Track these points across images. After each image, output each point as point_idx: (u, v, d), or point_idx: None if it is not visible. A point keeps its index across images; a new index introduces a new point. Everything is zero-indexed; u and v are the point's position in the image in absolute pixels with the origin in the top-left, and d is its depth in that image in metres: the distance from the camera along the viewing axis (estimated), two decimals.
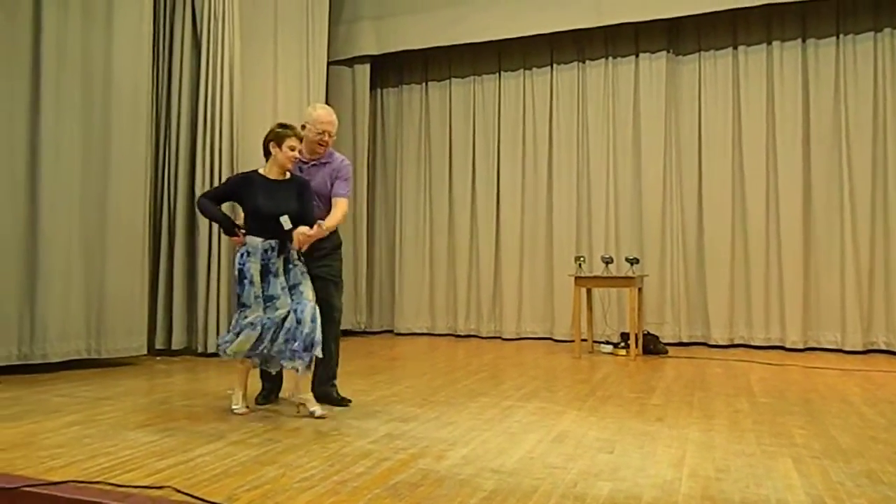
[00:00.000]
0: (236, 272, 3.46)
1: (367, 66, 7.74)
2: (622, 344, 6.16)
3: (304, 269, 3.52)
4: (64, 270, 4.84)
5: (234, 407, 3.51)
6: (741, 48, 6.70)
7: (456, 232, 7.74)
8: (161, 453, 2.72)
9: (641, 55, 7.02)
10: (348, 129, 7.67)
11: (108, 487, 2.28)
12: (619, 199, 7.07)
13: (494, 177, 7.60)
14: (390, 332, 8.01)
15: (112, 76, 5.16)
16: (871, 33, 6.27)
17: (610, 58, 7.15)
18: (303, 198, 3.52)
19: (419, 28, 7.41)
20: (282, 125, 3.54)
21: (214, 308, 5.74)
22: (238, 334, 3.43)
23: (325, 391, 3.70)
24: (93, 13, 5.06)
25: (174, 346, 5.78)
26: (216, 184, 5.86)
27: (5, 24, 4.60)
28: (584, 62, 7.27)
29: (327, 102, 7.23)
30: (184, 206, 5.88)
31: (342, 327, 7.68)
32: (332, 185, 3.73)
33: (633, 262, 6.07)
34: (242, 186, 3.50)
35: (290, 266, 3.49)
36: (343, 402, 3.71)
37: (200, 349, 5.72)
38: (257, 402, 3.73)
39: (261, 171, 3.55)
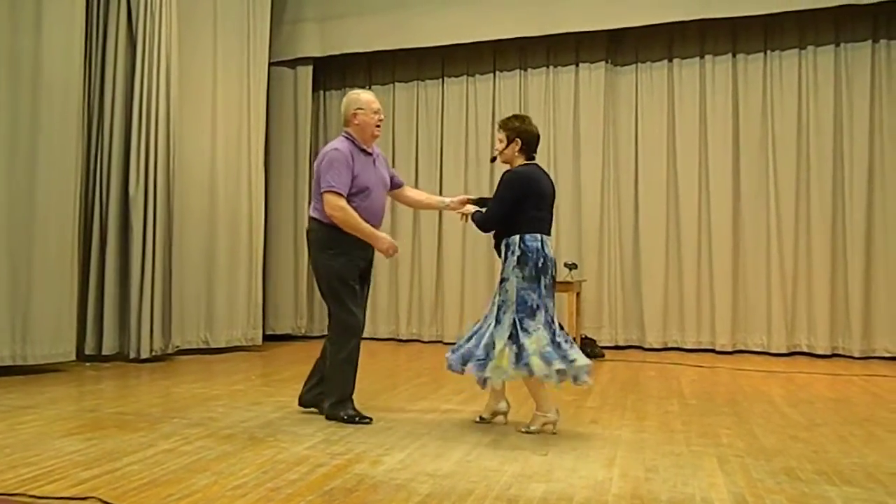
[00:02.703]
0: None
1: (310, 68, 7.65)
2: None
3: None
4: None
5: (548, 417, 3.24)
6: (676, 61, 6.93)
7: (397, 236, 7.72)
8: (87, 463, 2.63)
9: (581, 65, 7.18)
10: (290, 130, 7.56)
11: (29, 500, 2.20)
12: (558, 204, 7.14)
13: (437, 181, 7.62)
14: None
15: (41, 73, 4.93)
16: (796, 50, 6.59)
17: (551, 66, 7.28)
18: None
19: (363, 31, 7.38)
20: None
21: (148, 312, 5.57)
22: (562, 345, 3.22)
23: (320, 399, 3.67)
24: (20, 7, 4.85)
25: (105, 352, 5.58)
26: (151, 184, 5.70)
27: None
28: (526, 70, 7.39)
29: (268, 104, 7.14)
30: (116, 207, 5.69)
31: (286, 331, 7.60)
32: (390, 174, 3.86)
33: (571, 267, 6.20)
34: (533, 181, 3.67)
35: None
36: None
37: (133, 354, 5.53)
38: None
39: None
